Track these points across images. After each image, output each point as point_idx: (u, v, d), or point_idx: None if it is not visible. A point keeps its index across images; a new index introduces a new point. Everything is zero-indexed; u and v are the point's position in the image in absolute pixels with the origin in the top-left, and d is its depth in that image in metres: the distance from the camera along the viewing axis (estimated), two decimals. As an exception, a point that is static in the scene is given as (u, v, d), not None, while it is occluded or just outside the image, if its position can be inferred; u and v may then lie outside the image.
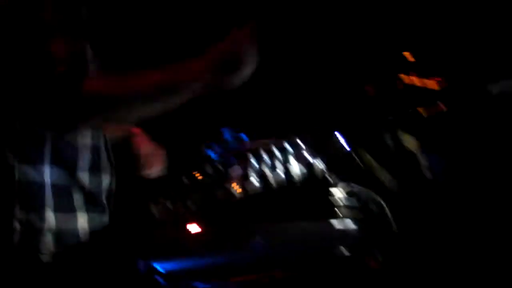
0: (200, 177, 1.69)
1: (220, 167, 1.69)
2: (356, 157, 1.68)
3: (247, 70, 1.44)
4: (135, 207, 1.64)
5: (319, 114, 1.80)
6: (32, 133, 1.52)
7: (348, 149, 1.67)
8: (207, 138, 1.74)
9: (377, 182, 1.67)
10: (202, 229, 1.54)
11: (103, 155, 1.64)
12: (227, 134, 1.77)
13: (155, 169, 1.82)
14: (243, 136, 1.76)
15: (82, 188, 1.58)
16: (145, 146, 1.82)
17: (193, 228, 1.55)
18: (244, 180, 1.66)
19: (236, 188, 1.65)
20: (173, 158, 1.79)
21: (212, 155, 1.72)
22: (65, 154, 1.55)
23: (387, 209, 1.64)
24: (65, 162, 1.56)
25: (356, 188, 1.66)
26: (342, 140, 1.68)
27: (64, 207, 1.55)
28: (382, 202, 1.64)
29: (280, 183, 1.65)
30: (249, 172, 1.66)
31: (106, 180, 1.63)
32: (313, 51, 2.24)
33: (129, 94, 1.42)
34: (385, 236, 1.60)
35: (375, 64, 1.75)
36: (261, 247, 1.48)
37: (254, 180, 1.65)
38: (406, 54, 1.74)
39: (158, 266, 1.41)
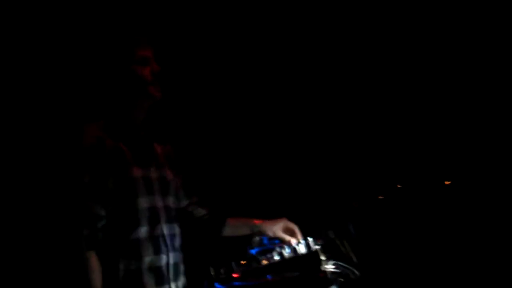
0: (243, 262, 2.75)
1: (261, 256, 2.77)
2: (339, 244, 2.74)
3: None
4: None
5: (322, 222, 2.85)
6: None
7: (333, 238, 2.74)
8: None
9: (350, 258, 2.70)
10: (238, 275, 2.60)
11: (161, 240, 2.59)
12: (266, 240, 2.89)
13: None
14: (276, 241, 2.86)
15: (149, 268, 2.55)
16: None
17: (235, 275, 2.62)
18: (271, 258, 2.73)
19: (264, 262, 2.72)
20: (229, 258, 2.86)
21: (253, 252, 2.82)
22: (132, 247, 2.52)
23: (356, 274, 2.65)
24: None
25: (339, 263, 2.70)
26: (333, 235, 2.75)
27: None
28: (354, 270, 2.67)
29: (290, 256, 2.70)
30: (273, 254, 2.73)
31: (164, 258, 2.60)
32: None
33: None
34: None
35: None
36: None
37: (276, 257, 2.72)
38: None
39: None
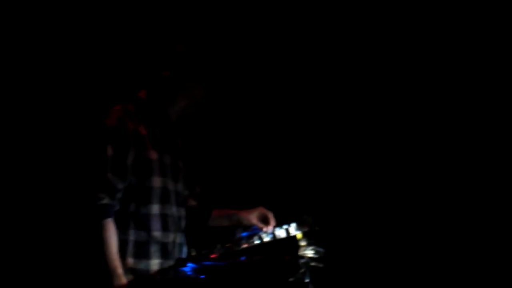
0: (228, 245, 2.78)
1: (243, 240, 2.80)
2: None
3: None
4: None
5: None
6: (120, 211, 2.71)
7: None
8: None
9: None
10: (216, 256, 2.63)
11: (170, 219, 2.82)
12: (255, 227, 2.93)
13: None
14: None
15: (156, 242, 2.77)
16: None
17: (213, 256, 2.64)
18: (251, 242, 2.75)
19: (245, 245, 2.74)
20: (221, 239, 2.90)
21: (243, 235, 2.85)
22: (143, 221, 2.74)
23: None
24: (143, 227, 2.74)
25: (319, 249, 2.69)
26: (311, 221, 2.75)
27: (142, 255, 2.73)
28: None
29: (269, 241, 2.72)
30: (254, 239, 2.75)
31: (172, 236, 2.82)
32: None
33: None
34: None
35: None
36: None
37: (256, 241, 2.74)
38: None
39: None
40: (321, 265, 2.64)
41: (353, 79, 3.82)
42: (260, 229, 2.86)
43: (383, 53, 3.83)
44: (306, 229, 2.73)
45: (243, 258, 2.60)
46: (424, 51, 3.76)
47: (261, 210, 2.90)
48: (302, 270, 2.57)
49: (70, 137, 3.54)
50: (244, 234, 2.85)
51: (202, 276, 2.42)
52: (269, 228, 2.81)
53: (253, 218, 2.88)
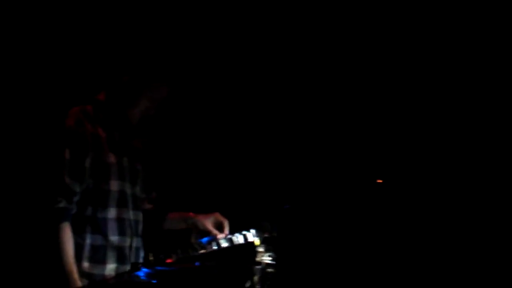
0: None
1: (202, 245, 2.78)
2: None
3: None
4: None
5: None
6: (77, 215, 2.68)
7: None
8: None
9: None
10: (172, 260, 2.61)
11: (127, 223, 2.80)
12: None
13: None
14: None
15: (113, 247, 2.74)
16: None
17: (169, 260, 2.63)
18: (209, 247, 2.73)
19: (202, 250, 2.72)
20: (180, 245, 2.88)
21: (203, 240, 2.83)
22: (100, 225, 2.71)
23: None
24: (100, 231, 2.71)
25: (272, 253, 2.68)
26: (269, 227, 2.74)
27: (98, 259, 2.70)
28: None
29: (226, 246, 2.70)
30: (212, 244, 2.73)
31: (128, 240, 2.79)
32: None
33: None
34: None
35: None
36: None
37: (214, 246, 2.72)
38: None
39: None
40: (277, 271, 2.64)
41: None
42: (214, 236, 2.85)
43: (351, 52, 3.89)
44: (264, 235, 2.72)
45: (197, 263, 2.58)
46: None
47: (217, 216, 2.89)
48: (257, 276, 2.56)
49: (28, 138, 3.51)
50: (204, 239, 2.84)
51: (154, 281, 2.40)
52: (222, 236, 2.79)
53: (208, 223, 2.86)
